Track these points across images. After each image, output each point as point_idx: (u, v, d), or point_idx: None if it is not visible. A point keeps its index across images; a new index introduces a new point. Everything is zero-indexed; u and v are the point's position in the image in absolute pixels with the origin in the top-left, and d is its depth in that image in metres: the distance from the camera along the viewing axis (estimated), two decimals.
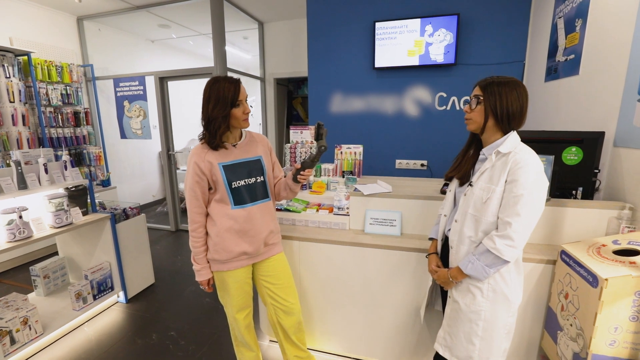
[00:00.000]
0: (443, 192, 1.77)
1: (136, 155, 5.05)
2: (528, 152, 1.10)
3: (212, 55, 3.69)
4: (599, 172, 1.67)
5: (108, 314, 2.48)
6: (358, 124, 3.18)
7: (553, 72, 2.23)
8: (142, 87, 4.00)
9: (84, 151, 4.02)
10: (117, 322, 2.38)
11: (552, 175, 1.54)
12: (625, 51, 1.57)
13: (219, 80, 1.35)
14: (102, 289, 2.46)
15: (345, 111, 3.21)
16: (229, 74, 3.78)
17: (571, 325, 1.28)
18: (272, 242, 1.56)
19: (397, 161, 3.14)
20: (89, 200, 2.47)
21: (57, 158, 2.33)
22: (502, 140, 1.14)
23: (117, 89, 4.10)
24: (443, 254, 1.37)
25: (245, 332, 1.59)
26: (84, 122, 4.02)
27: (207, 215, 1.47)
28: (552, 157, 1.51)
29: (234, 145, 1.45)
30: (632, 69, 1.52)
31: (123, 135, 4.26)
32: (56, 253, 2.79)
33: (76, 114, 3.92)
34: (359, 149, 2.26)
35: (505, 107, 1.10)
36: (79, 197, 2.38)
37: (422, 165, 3.06)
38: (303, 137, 2.40)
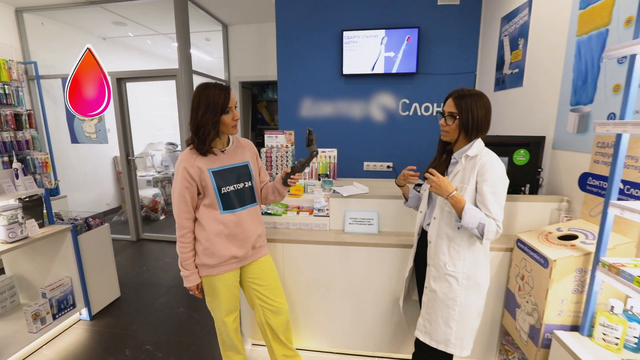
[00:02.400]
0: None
1: (88, 161, 4.68)
2: (492, 155, 1.28)
3: (171, 55, 3.60)
4: (542, 170, 1.94)
5: (70, 334, 2.30)
6: (328, 128, 3.29)
7: (501, 83, 2.53)
8: None
9: (28, 157, 3.65)
10: (82, 342, 2.22)
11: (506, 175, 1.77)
12: (559, 67, 1.86)
13: (209, 87, 1.36)
14: (62, 307, 2.28)
15: (315, 116, 3.30)
16: (194, 76, 3.69)
17: (527, 302, 1.49)
18: (260, 244, 1.60)
19: (365, 163, 3.30)
20: (44, 211, 2.28)
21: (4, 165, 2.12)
22: (469, 145, 1.31)
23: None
24: (420, 248, 1.51)
25: (234, 335, 1.61)
26: (27, 125, 3.66)
27: (195, 220, 1.47)
28: (506, 159, 1.74)
29: (222, 151, 1.47)
30: (565, 83, 1.80)
31: (74, 140, 3.93)
32: (2, 271, 2.51)
33: (17, 116, 3.55)
34: (333, 152, 2.37)
35: (476, 121, 1.26)
36: (33, 208, 2.19)
37: (388, 167, 3.26)
38: (278, 142, 2.44)
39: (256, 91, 5.58)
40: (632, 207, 1.07)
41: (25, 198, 2.14)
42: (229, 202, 1.45)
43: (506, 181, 1.27)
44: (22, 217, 2.01)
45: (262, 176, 1.64)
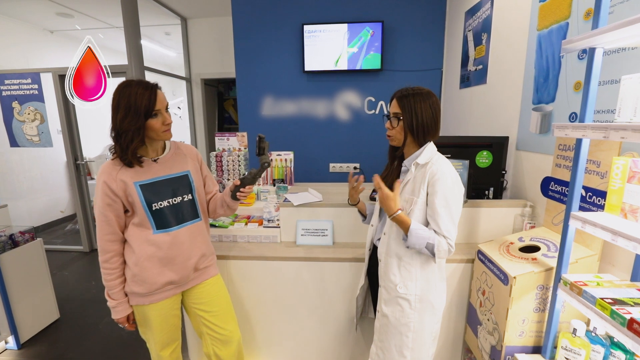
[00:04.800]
0: (372, 198, 1.78)
1: (36, 165, 4.28)
2: (443, 163, 1.13)
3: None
4: (505, 173, 1.84)
5: None
6: (291, 128, 3.10)
7: (466, 80, 2.42)
8: (36, 86, 3.38)
9: None
10: None
11: (468, 179, 1.65)
12: (521, 63, 1.75)
13: (130, 85, 1.13)
14: None
15: (277, 115, 3.11)
16: (147, 73, 3.41)
17: (488, 320, 1.37)
18: (205, 265, 1.39)
19: (331, 165, 3.14)
20: None
21: None
22: (420, 152, 1.16)
23: (2, 87, 3.40)
24: (372, 263, 1.35)
25: None
26: None
27: (125, 241, 1.25)
28: (467, 162, 1.61)
29: (155, 160, 1.25)
30: (527, 79, 1.70)
31: (14, 143, 3.55)
32: None
33: None
34: (289, 155, 2.19)
35: (421, 122, 1.12)
36: None
37: (355, 168, 3.11)
38: (230, 144, 2.23)
39: (222, 89, 5.31)
40: (595, 220, 0.94)
41: None
42: (162, 220, 1.24)
43: (459, 191, 1.13)
44: None
45: (209, 186, 1.43)
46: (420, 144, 1.17)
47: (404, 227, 1.09)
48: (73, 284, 3.03)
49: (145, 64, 3.44)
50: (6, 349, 2.16)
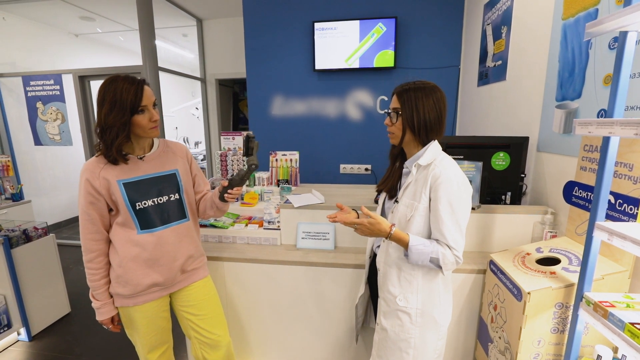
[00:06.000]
0: (376, 201, 1.68)
1: (59, 163, 4.46)
2: (448, 164, 1.02)
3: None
4: (525, 176, 1.69)
5: (5, 356, 2.08)
6: (301, 127, 3.04)
7: (484, 77, 2.27)
8: (58, 87, 3.51)
9: None
10: None
11: (481, 182, 1.52)
12: (544, 57, 1.60)
13: (116, 80, 1.11)
14: None
15: (286, 115, 3.06)
16: (161, 73, 3.45)
17: (500, 338, 1.24)
18: (193, 267, 1.35)
19: (342, 166, 3.06)
20: None
21: None
22: (422, 152, 1.06)
23: (28, 89, 3.56)
24: (372, 272, 1.26)
25: None
26: None
27: (110, 241, 1.23)
28: (480, 164, 1.48)
29: (141, 158, 1.22)
30: (550, 74, 1.55)
31: (38, 142, 3.71)
32: None
33: None
34: (294, 155, 2.12)
35: (422, 118, 1.02)
36: None
37: (367, 169, 3.01)
38: (235, 144, 2.20)
39: (237, 89, 5.34)
40: (624, 232, 0.82)
41: None
42: (147, 220, 1.21)
43: (467, 195, 1.02)
44: None
45: (199, 186, 1.39)
46: (423, 142, 1.07)
47: (403, 244, 1.00)
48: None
49: (164, 65, 3.50)
50: (18, 340, 2.23)
